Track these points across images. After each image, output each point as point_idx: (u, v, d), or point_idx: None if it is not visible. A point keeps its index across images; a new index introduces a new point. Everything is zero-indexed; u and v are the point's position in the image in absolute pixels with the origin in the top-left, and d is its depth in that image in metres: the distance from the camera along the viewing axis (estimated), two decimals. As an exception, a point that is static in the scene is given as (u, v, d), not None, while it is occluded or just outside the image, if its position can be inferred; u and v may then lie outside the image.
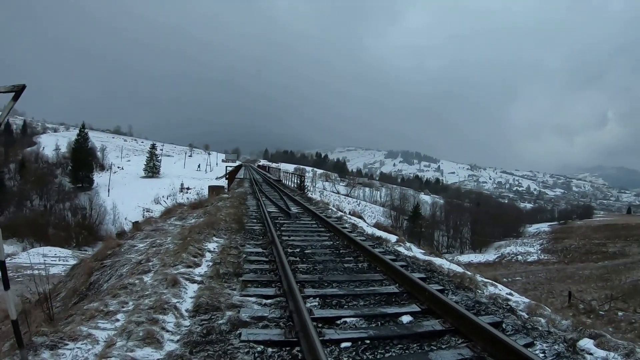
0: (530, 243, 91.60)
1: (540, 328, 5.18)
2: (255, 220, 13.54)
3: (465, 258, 75.87)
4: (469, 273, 8.39)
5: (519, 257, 73.35)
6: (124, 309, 5.25)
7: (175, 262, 7.31)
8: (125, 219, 72.38)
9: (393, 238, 12.99)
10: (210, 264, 7.57)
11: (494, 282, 8.16)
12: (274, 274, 7.05)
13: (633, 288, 41.95)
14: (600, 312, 30.74)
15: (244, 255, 8.31)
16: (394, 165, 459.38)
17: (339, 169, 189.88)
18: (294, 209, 16.53)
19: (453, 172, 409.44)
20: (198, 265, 7.45)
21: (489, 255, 78.09)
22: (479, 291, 7.01)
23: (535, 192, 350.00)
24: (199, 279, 6.62)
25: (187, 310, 5.31)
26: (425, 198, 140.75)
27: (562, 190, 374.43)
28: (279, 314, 5.23)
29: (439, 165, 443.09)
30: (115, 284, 6.96)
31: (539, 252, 79.08)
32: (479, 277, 8.13)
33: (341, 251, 9.43)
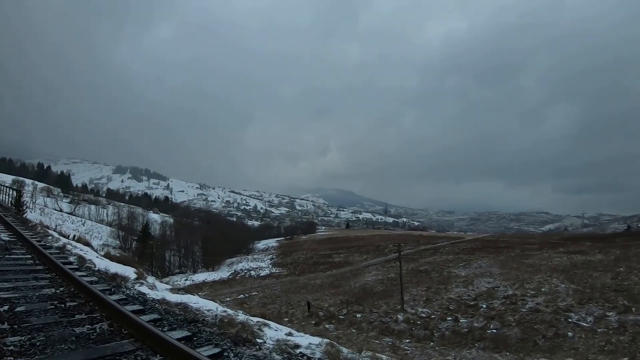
0: (261, 258, 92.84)
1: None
2: None
3: (200, 277, 73.53)
4: (240, 317, 6.95)
5: (252, 273, 73.20)
6: None
7: None
8: None
9: (131, 273, 10.31)
10: None
11: (265, 322, 7.09)
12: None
13: (363, 291, 43.96)
14: (341, 317, 31.26)
15: None
16: (122, 181, 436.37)
17: (63, 183, 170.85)
18: (4, 237, 13.21)
19: (182, 191, 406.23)
20: None
21: (223, 273, 76.63)
22: (260, 340, 5.84)
23: (261, 211, 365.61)
24: None
25: None
26: (155, 217, 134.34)
27: (287, 209, 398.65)
28: None
29: (169, 184, 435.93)
30: None
31: (270, 266, 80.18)
32: (249, 320, 6.86)
33: (69, 304, 6.66)
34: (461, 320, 28.32)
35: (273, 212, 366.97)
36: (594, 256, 50.99)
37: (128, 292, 7.98)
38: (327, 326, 29.46)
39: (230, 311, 7.16)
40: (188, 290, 11.23)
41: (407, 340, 25.00)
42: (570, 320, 26.23)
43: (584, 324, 25.28)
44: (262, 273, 72.27)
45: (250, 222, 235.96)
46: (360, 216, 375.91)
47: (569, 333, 23.89)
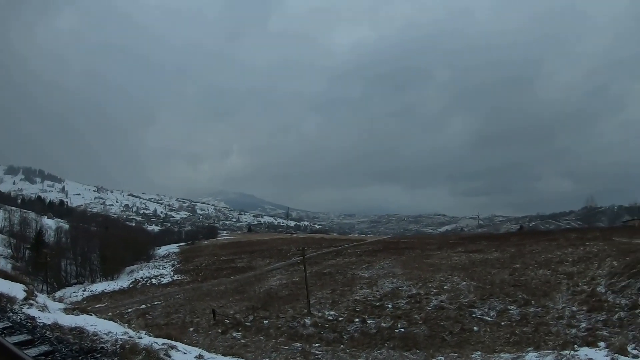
0: (162, 265, 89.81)
1: None
2: None
3: (99, 287, 69.50)
4: (143, 340, 6.21)
5: (154, 281, 70.48)
6: None
7: None
8: None
9: (20, 291, 8.71)
10: None
11: (172, 344, 6.44)
12: None
13: (268, 296, 43.42)
14: (247, 324, 30.70)
15: None
16: (14, 183, 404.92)
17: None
18: None
19: (79, 194, 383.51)
20: None
21: (123, 282, 73.10)
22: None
23: (162, 215, 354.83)
24: None
25: None
26: (49, 222, 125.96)
27: (188, 213, 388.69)
28: None
29: (64, 186, 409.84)
30: None
31: (172, 273, 77.68)
32: (154, 343, 6.07)
33: None
34: (369, 321, 28.49)
35: (173, 217, 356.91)
36: (491, 254, 53.66)
37: (15, 316, 6.87)
38: (234, 334, 28.66)
39: (132, 333, 6.42)
40: (84, 309, 10.10)
41: (317, 345, 24.71)
42: (474, 315, 27.20)
43: (488, 318, 26.26)
44: (164, 281, 69.80)
45: (150, 227, 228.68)
46: (262, 220, 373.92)
47: (475, 327, 24.74)
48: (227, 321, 32.75)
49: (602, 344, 17.77)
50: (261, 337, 27.48)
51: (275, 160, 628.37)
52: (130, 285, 68.87)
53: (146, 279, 73.16)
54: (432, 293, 34.44)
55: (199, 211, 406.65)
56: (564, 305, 26.37)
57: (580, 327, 21.76)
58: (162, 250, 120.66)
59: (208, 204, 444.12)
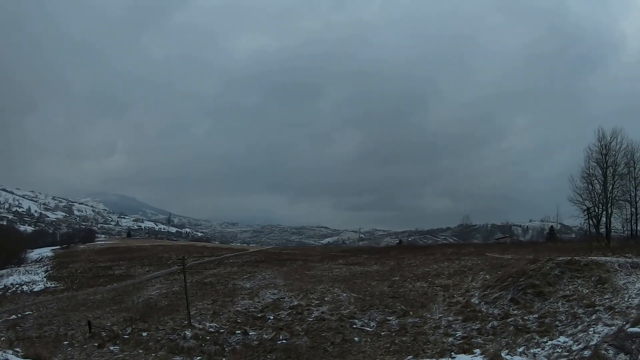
0: (35, 270, 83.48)
1: None
2: None
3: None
4: None
5: (25, 288, 65.24)
6: None
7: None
8: None
9: None
10: None
11: None
12: None
13: (147, 306, 41.45)
14: (125, 336, 29.22)
15: None
16: None
17: None
18: None
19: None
20: None
21: (-10, 289, 67.73)
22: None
23: (36, 215, 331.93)
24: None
25: None
26: None
27: (64, 214, 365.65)
28: None
29: None
30: None
31: (45, 279, 72.47)
32: None
33: None
34: (250, 333, 27.96)
35: (49, 217, 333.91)
36: (371, 267, 55.23)
37: None
38: (111, 348, 26.87)
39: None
40: None
41: (198, 358, 23.93)
42: (355, 326, 27.45)
43: (368, 329, 26.63)
44: (36, 288, 64.83)
45: (22, 227, 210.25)
46: (143, 225, 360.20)
47: (356, 338, 24.94)
48: (103, 334, 30.69)
49: (477, 350, 18.70)
50: (140, 351, 26.05)
51: (161, 162, 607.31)
52: (0, 293, 63.66)
53: (17, 286, 67.59)
54: (313, 304, 34.44)
55: (76, 212, 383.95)
56: (440, 315, 27.29)
57: (457, 335, 22.55)
58: (35, 254, 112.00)
59: (87, 205, 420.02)
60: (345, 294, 37.25)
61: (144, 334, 29.93)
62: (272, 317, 31.90)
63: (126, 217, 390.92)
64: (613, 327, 16.33)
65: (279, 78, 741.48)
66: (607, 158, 59.93)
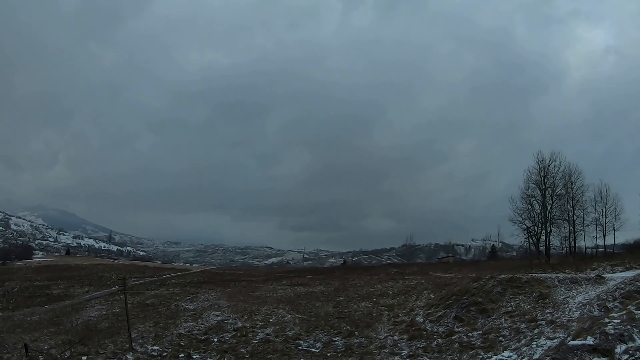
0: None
1: None
2: None
3: None
4: None
5: (-43, 308, 62.61)
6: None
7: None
8: None
9: None
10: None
11: None
12: None
13: (87, 329, 39.96)
14: (63, 361, 27.99)
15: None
16: None
17: None
18: None
19: None
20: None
21: None
22: None
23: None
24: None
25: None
26: None
27: (1, 228, 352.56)
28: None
29: None
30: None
31: (-21, 299, 69.81)
32: None
33: None
34: (194, 357, 27.37)
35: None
36: (315, 287, 55.06)
37: None
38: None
39: None
40: None
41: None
42: (300, 347, 27.29)
43: (314, 350, 26.51)
44: (-30, 309, 62.03)
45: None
46: (82, 242, 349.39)
47: None
48: (41, 358, 29.65)
49: (424, 368, 18.83)
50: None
51: (102, 177, 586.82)
52: None
53: (-52, 306, 64.55)
54: (258, 326, 34.09)
55: (13, 226, 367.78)
56: (386, 334, 27.51)
57: (403, 354, 22.67)
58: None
59: (24, 220, 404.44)
60: (290, 315, 37.06)
61: (84, 358, 28.82)
62: (216, 340, 31.38)
63: (65, 233, 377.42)
64: (555, 341, 16.78)
65: (227, 95, 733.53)
66: (545, 180, 62.94)
